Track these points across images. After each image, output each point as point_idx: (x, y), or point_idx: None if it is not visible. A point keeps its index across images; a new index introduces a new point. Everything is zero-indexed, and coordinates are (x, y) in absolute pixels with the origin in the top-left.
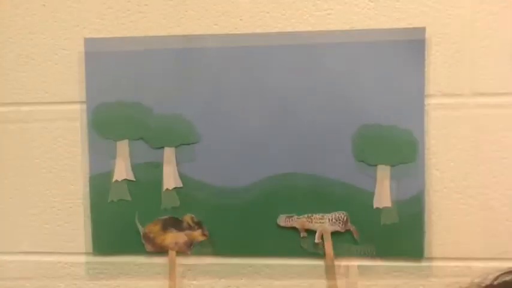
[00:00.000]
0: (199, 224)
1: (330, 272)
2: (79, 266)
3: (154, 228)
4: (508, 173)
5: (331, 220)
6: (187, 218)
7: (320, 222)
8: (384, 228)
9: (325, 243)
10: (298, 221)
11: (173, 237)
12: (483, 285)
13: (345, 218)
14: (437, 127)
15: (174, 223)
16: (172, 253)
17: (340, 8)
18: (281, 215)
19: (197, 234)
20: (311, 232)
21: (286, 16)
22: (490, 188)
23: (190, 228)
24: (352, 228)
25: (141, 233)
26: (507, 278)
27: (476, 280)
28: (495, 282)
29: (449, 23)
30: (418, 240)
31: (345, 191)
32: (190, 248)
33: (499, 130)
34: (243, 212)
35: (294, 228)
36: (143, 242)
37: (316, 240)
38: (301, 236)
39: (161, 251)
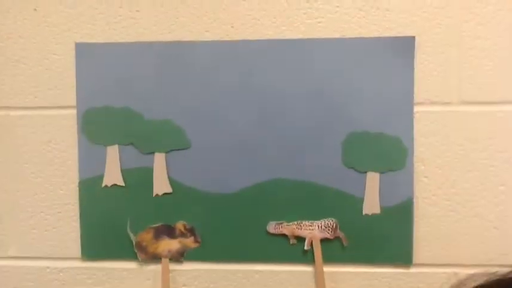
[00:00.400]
0: (191, 231)
1: (319, 279)
2: (67, 271)
3: (146, 237)
4: (496, 180)
5: (321, 227)
6: (180, 226)
7: (309, 229)
8: (373, 235)
9: (315, 250)
10: (288, 228)
11: (166, 245)
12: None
13: (334, 225)
14: (425, 135)
15: (167, 231)
16: (165, 261)
17: (330, 17)
18: (270, 222)
19: (190, 242)
20: (300, 239)
21: (277, 24)
22: (478, 195)
23: (182, 235)
24: (341, 235)
25: (134, 242)
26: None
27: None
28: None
29: (439, 32)
30: (406, 246)
31: (334, 197)
32: (183, 256)
33: (487, 138)
34: (233, 218)
35: (283, 235)
36: (136, 251)
37: (306, 247)
38: (291, 242)
39: (154, 259)
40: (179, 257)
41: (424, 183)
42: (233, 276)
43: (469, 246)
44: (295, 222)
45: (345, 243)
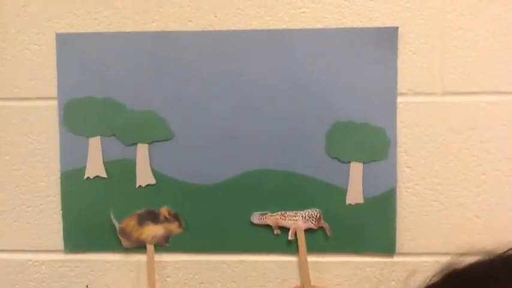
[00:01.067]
0: (176, 217)
1: (303, 268)
2: (50, 264)
3: (130, 223)
4: (478, 170)
5: (304, 217)
6: (164, 211)
7: (293, 220)
8: (357, 225)
9: (299, 240)
10: (272, 219)
11: (150, 231)
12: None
13: (318, 215)
14: (408, 125)
15: (151, 216)
16: (150, 247)
17: (314, 7)
18: (254, 213)
19: (174, 227)
20: (284, 229)
21: (260, 14)
22: (460, 185)
23: (167, 220)
24: (325, 225)
25: (117, 229)
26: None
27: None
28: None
29: (421, 23)
30: (389, 236)
31: (317, 187)
32: (167, 241)
33: (469, 129)
34: (217, 209)
35: (267, 226)
36: (120, 237)
37: (290, 237)
38: (275, 233)
39: (138, 245)
40: (164, 242)
41: (407, 173)
42: (217, 267)
43: (451, 236)
44: (279, 213)
45: (328, 233)
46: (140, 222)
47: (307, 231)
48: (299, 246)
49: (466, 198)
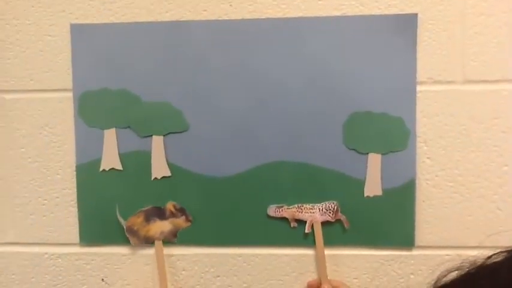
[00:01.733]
0: (182, 211)
1: (321, 262)
2: (65, 256)
3: (137, 221)
4: (500, 161)
5: (322, 210)
6: (170, 206)
7: (310, 212)
8: (375, 217)
9: (316, 233)
10: (288, 211)
11: (157, 227)
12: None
13: (335, 208)
14: (428, 115)
15: (157, 213)
16: (158, 243)
17: None
18: (270, 206)
19: (181, 221)
20: (301, 222)
21: (276, 2)
22: (481, 176)
23: (173, 215)
24: (342, 217)
25: (124, 227)
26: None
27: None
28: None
29: (441, 9)
30: (408, 228)
31: (335, 179)
32: (175, 236)
33: (491, 118)
34: (233, 202)
35: (284, 218)
36: (127, 235)
37: (306, 231)
38: (292, 226)
39: (146, 242)
40: (172, 237)
41: (427, 164)
42: (233, 260)
43: (473, 228)
44: (296, 206)
45: (346, 226)
46: (147, 219)
47: (325, 223)
48: (316, 239)
49: (487, 190)
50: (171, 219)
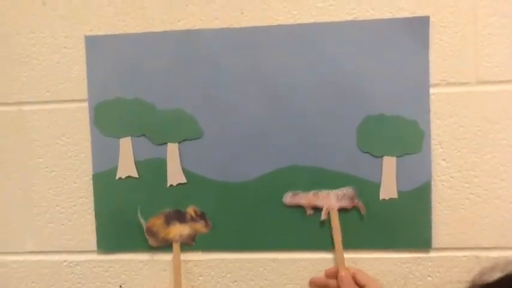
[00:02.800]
0: (202, 216)
1: (337, 249)
2: (84, 264)
3: (157, 222)
4: None
5: (338, 196)
6: (190, 210)
7: (327, 199)
8: (391, 220)
9: (332, 220)
10: (304, 197)
11: (177, 230)
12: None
13: (352, 194)
14: (442, 117)
15: (177, 216)
16: (176, 246)
17: None
18: (287, 193)
19: (200, 226)
20: (318, 212)
21: (287, 9)
22: (498, 177)
23: (193, 220)
24: (359, 204)
25: (144, 228)
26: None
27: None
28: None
29: (453, 11)
30: (425, 230)
31: (350, 183)
32: (193, 240)
33: (506, 118)
34: (248, 207)
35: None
36: (146, 236)
37: (323, 217)
38: (307, 214)
39: (165, 245)
40: (190, 241)
41: (442, 166)
42: (250, 265)
43: (490, 229)
44: (312, 192)
45: (362, 212)
46: (167, 221)
47: (341, 223)
48: (332, 226)
49: (504, 191)
50: (190, 223)
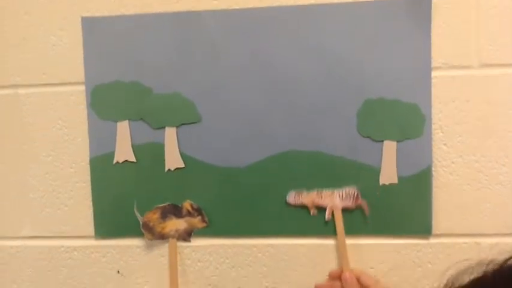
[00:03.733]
0: (198, 211)
1: (341, 250)
2: (81, 249)
3: (153, 217)
4: None
5: (342, 196)
6: (187, 205)
7: (330, 198)
8: (391, 205)
9: (336, 219)
10: (308, 198)
11: (173, 225)
12: (491, 264)
13: (356, 194)
14: (444, 101)
15: (174, 210)
16: (172, 241)
17: None
18: (290, 192)
19: (197, 221)
20: (320, 210)
21: None
22: (499, 163)
23: (190, 214)
24: (363, 203)
25: (140, 222)
26: None
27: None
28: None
29: None
30: (425, 216)
31: (350, 168)
32: (190, 235)
33: (508, 102)
34: (247, 192)
35: (302, 207)
36: (142, 231)
37: (327, 218)
38: (311, 213)
39: (161, 239)
40: (187, 236)
41: (443, 151)
42: (248, 251)
43: (491, 215)
44: (315, 191)
45: (366, 213)
46: (163, 216)
47: (343, 212)
48: (336, 226)
49: (506, 176)
50: (187, 218)
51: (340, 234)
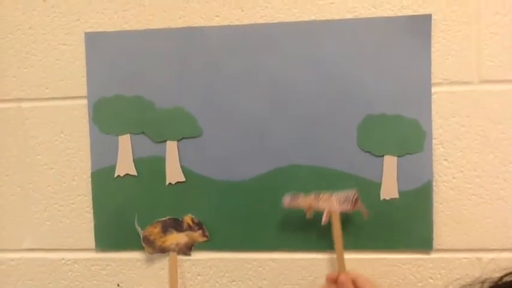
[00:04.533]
0: (199, 225)
1: (338, 254)
2: (82, 262)
3: (154, 231)
4: None
5: (340, 199)
6: (187, 219)
7: (328, 202)
8: (392, 220)
9: (333, 223)
10: (305, 200)
11: (174, 239)
12: (487, 282)
13: (355, 197)
14: (444, 116)
15: (174, 224)
16: (173, 254)
17: None
18: (286, 195)
19: (197, 235)
20: (318, 215)
21: (288, 6)
22: (500, 178)
23: (190, 229)
24: (361, 207)
25: (141, 236)
26: None
27: (482, 277)
28: (500, 282)
29: (455, 9)
30: (426, 231)
31: (351, 182)
32: (190, 249)
33: (508, 118)
34: (247, 206)
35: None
36: (143, 244)
37: (324, 221)
38: (307, 216)
39: (161, 252)
40: (187, 250)
41: (444, 166)
42: (248, 265)
43: (492, 230)
44: (313, 195)
45: (365, 217)
46: (164, 229)
47: (342, 225)
48: (334, 230)
49: (507, 191)
50: (187, 232)
51: (337, 238)
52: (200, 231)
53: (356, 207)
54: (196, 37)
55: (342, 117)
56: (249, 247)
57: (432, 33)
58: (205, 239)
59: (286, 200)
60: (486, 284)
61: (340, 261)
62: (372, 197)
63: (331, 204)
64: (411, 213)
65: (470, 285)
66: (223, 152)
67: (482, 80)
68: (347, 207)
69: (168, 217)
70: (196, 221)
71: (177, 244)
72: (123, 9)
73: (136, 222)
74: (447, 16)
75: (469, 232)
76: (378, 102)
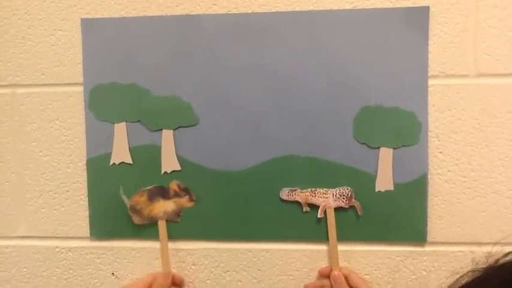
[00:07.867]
0: (186, 190)
1: (332, 249)
2: (76, 250)
3: (140, 200)
4: None
5: (335, 195)
6: (173, 186)
7: (324, 197)
8: (386, 212)
9: (328, 219)
10: (301, 195)
11: (161, 207)
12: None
13: (349, 194)
14: (440, 109)
15: (161, 192)
16: (162, 223)
17: None
18: (284, 189)
19: (185, 201)
20: (313, 209)
21: None
22: (495, 172)
23: (177, 195)
24: (356, 204)
25: (128, 205)
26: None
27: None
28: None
29: (454, 2)
30: (420, 224)
31: (346, 174)
32: (179, 216)
33: (505, 112)
34: (243, 196)
35: (295, 210)
36: (130, 214)
37: (319, 215)
38: (304, 210)
39: (150, 222)
40: (175, 217)
41: (439, 159)
42: (243, 255)
43: (486, 224)
44: (310, 190)
45: (359, 213)
46: (150, 198)
47: (337, 216)
48: (328, 226)
49: (502, 185)
50: (174, 199)
51: (331, 234)
52: (187, 197)
53: (351, 203)
54: (193, 25)
55: (338, 108)
56: (244, 237)
57: (430, 26)
58: (192, 203)
59: (284, 194)
60: (480, 267)
61: (334, 256)
62: (367, 189)
63: (327, 199)
64: (406, 205)
65: (462, 276)
66: (220, 142)
67: (479, 74)
68: (342, 203)
69: (154, 185)
70: (182, 186)
71: (164, 212)
72: None
73: (121, 191)
74: (445, 8)
75: (464, 225)
76: (375, 93)
